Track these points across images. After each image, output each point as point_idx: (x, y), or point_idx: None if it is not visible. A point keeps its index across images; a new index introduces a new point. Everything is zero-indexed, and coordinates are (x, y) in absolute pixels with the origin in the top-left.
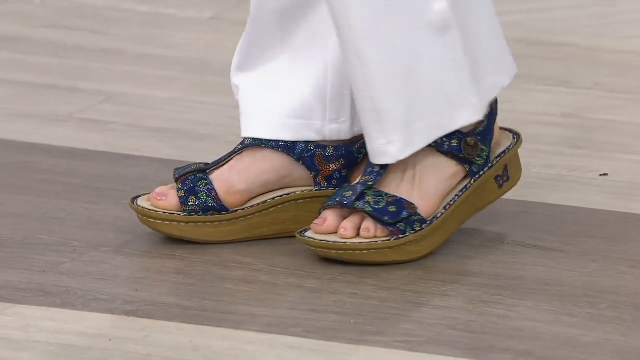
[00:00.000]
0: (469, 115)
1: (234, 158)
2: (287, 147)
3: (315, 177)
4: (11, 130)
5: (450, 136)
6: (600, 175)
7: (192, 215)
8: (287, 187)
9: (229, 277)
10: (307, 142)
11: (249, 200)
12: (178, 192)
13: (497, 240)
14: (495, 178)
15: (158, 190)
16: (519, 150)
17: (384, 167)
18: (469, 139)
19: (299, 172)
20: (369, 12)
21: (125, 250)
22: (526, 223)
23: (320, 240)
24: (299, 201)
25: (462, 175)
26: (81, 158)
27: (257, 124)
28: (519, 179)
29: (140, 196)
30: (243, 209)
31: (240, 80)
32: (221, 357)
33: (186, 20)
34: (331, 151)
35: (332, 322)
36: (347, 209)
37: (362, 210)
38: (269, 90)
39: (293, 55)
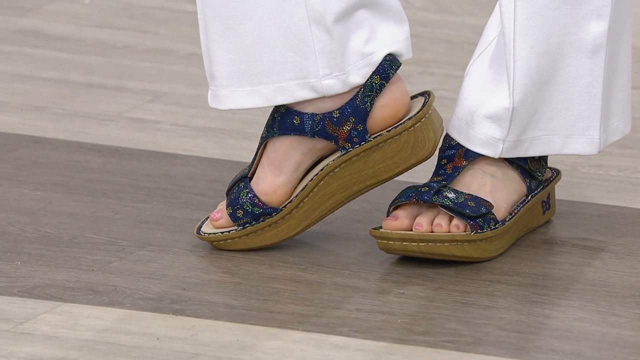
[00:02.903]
0: (582, 147)
1: (263, 156)
2: (297, 129)
3: (337, 143)
4: (59, 129)
5: None
6: None
7: (247, 227)
8: (318, 161)
9: (276, 277)
10: (312, 116)
11: (292, 192)
12: (227, 208)
13: (544, 240)
14: (542, 203)
15: (218, 207)
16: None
17: (458, 169)
18: None
19: (320, 143)
20: (529, 10)
21: (173, 249)
22: (574, 223)
23: (401, 232)
24: (336, 170)
25: (525, 192)
26: (129, 157)
27: (246, 95)
28: (554, 212)
29: (205, 220)
30: (290, 202)
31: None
32: (267, 356)
33: None
34: (337, 115)
35: (379, 321)
36: (418, 207)
37: (441, 205)
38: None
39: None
